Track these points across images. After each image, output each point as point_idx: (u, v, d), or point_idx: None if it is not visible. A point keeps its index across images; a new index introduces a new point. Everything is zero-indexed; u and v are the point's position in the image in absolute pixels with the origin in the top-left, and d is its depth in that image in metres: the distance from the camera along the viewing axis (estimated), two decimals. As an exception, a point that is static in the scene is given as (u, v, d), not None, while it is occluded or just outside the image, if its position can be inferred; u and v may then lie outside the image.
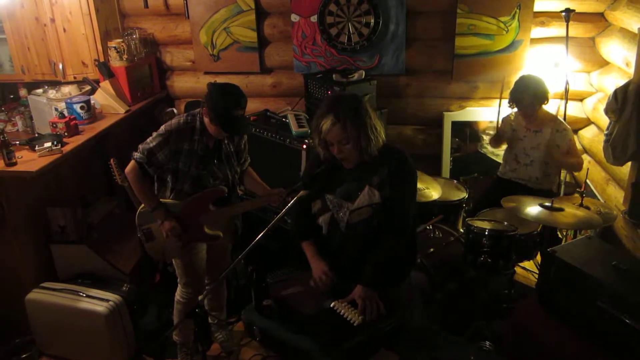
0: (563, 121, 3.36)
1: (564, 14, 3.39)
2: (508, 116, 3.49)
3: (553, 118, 3.30)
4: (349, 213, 2.18)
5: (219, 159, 2.63)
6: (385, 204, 2.15)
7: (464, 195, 3.48)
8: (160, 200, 2.59)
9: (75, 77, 3.74)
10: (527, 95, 3.21)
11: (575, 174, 3.79)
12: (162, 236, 2.63)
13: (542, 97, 3.22)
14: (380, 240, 2.18)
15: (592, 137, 3.67)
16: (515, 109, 3.36)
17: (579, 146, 3.67)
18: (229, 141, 2.65)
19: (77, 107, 3.45)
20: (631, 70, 2.91)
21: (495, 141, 3.59)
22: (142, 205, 2.64)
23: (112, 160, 3.19)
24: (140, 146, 2.52)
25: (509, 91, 3.36)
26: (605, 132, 2.97)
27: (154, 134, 2.53)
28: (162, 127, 2.53)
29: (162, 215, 2.56)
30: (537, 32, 3.73)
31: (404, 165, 2.18)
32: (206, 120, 2.49)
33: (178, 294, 2.83)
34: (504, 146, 3.59)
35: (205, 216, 2.62)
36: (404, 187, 2.18)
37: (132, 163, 2.53)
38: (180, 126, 2.50)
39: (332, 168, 2.21)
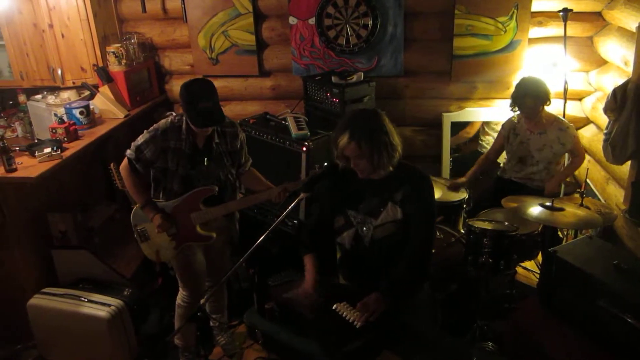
0: (564, 120, 3.37)
1: (561, 13, 3.40)
2: (509, 120, 3.48)
3: (555, 118, 3.32)
4: (373, 229, 2.21)
5: (210, 159, 2.64)
6: (407, 220, 2.18)
7: (464, 195, 3.48)
8: (154, 200, 2.64)
9: (74, 83, 3.74)
10: (529, 98, 3.20)
11: (576, 173, 3.79)
12: (156, 236, 2.66)
13: (544, 98, 3.21)
14: (402, 255, 2.19)
15: (591, 137, 3.67)
16: (517, 112, 3.36)
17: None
18: (220, 141, 2.65)
19: (76, 112, 3.44)
20: (630, 69, 2.92)
21: (474, 176, 3.60)
22: (137, 204, 2.68)
23: (111, 164, 3.19)
24: (132, 143, 2.61)
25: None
26: (605, 131, 2.97)
27: (145, 131, 2.61)
28: (153, 126, 2.61)
29: (151, 210, 2.60)
30: (535, 32, 3.73)
31: (426, 183, 2.22)
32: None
33: (179, 298, 2.85)
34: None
35: (197, 215, 2.63)
36: (426, 203, 2.21)
37: (124, 159, 2.63)
38: (168, 125, 2.56)
39: (348, 179, 2.24)
